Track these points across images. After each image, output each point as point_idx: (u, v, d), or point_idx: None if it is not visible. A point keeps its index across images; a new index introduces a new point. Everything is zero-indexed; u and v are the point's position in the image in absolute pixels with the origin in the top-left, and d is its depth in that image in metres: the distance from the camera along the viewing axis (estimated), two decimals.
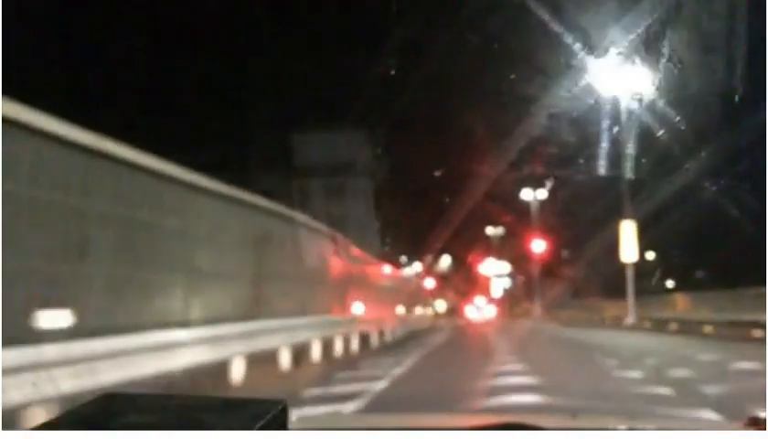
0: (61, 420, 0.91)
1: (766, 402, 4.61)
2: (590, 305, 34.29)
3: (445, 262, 49.93)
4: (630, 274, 25.94)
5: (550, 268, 40.28)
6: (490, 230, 45.27)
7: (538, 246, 40.76)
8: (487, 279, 48.28)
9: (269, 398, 0.98)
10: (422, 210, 28.52)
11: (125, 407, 1.00)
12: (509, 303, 47.45)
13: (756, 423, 1.48)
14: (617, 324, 25.46)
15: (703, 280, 28.77)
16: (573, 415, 2.03)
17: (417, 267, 43.78)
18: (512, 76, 8.99)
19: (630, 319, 25.17)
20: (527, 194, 38.21)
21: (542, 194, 37.74)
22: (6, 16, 5.51)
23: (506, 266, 48.21)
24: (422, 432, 1.60)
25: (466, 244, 40.62)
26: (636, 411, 6.28)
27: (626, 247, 25.32)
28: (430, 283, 48.25)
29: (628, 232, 25.21)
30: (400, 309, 26.66)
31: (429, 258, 43.71)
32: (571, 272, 37.93)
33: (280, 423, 0.95)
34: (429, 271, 47.24)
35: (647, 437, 1.68)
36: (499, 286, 49.21)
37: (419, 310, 35.72)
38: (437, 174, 26.80)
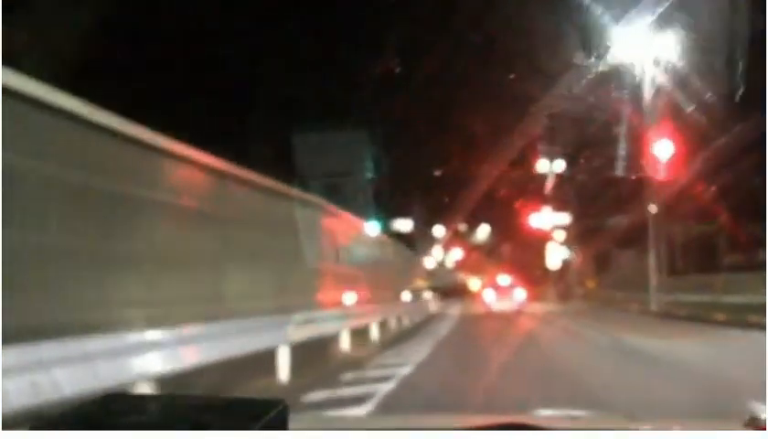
0: (61, 419, 0.91)
1: (766, 402, 4.60)
2: (707, 287, 18.25)
3: (483, 230, 39.97)
4: None
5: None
6: (543, 166, 26.26)
7: (665, 149, 16.88)
8: (540, 245, 33.62)
9: (269, 398, 0.99)
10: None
11: (125, 407, 1.00)
12: (566, 282, 33.09)
13: (756, 423, 1.48)
14: None
15: None
16: (573, 416, 2.03)
17: (438, 231, 35.13)
18: None
19: None
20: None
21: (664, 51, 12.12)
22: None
23: (566, 220, 30.84)
24: (423, 432, 1.60)
25: (512, 192, 26.08)
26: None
27: None
28: (457, 253, 40.62)
29: None
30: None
31: (460, 223, 35.05)
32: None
33: (280, 423, 0.95)
34: (458, 238, 38.66)
35: (647, 437, 1.68)
36: (557, 256, 33.65)
37: (425, 295, 27.90)
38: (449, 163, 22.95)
